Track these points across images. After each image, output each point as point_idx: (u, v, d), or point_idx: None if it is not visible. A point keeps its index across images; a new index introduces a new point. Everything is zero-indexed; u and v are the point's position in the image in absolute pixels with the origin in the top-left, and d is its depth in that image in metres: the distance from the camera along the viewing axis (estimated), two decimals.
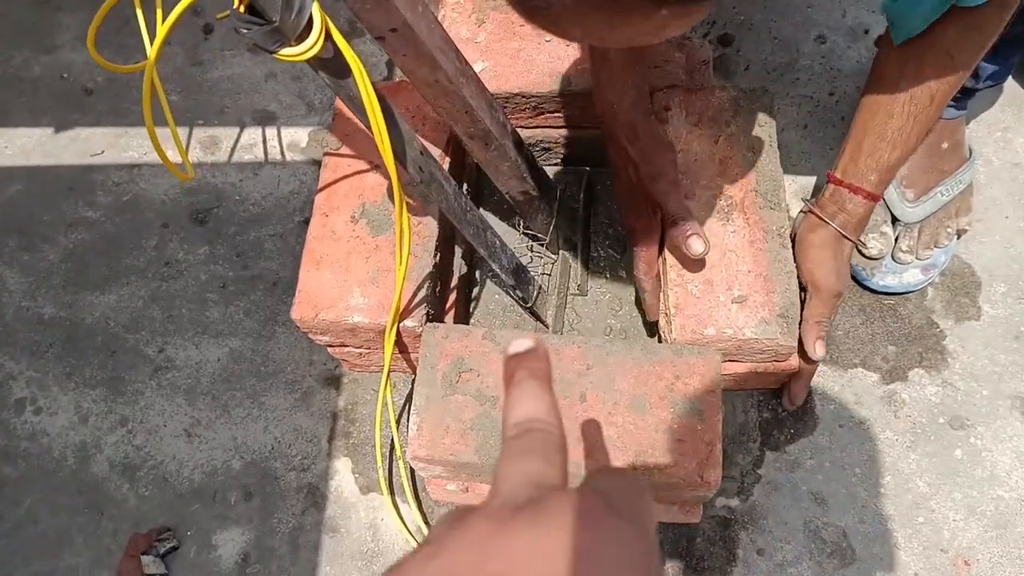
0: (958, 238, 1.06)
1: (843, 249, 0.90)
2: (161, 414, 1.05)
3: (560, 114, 1.03)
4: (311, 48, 0.54)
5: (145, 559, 0.97)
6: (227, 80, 1.24)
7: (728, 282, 0.87)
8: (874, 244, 1.03)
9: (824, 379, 1.02)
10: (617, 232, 1.10)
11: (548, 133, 1.08)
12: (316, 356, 1.07)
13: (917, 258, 1.04)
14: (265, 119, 1.21)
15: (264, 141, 1.19)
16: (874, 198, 0.87)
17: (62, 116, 1.23)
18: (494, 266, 0.88)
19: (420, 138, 0.73)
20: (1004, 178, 1.11)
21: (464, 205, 0.80)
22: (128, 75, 1.23)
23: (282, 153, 1.19)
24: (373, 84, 0.61)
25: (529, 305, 0.97)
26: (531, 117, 1.04)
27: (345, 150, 0.96)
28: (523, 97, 0.99)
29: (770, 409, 1.02)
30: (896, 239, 1.04)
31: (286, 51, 0.54)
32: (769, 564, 0.95)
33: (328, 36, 0.55)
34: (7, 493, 1.03)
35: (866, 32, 1.21)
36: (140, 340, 1.09)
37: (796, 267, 0.88)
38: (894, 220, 1.05)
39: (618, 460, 0.81)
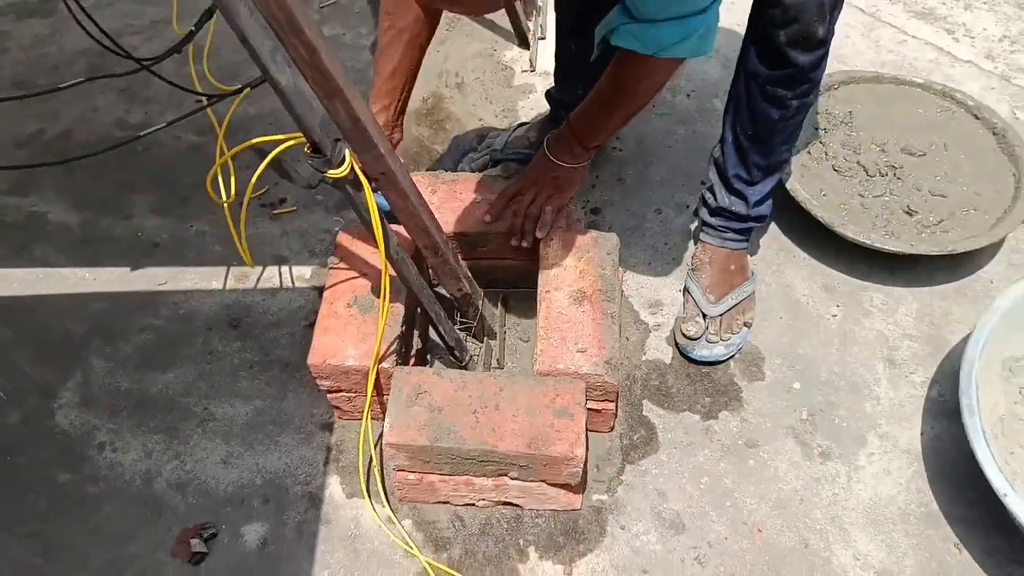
0: (748, 328, 1.61)
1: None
2: (205, 450, 1.49)
3: (487, 248, 1.59)
4: (344, 170, 1.08)
5: (192, 541, 1.38)
6: (255, 237, 1.79)
7: (576, 340, 1.40)
8: (691, 329, 1.58)
9: (664, 419, 1.52)
10: (525, 325, 1.62)
11: (478, 264, 1.63)
12: (316, 410, 1.54)
13: (721, 339, 1.58)
14: (280, 260, 1.75)
15: (280, 275, 1.73)
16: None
17: (136, 260, 1.76)
18: (441, 329, 1.40)
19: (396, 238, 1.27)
20: (778, 295, 1.68)
21: (422, 282, 1.33)
22: (183, 234, 1.78)
23: (292, 282, 1.72)
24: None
25: (463, 365, 1.47)
26: (468, 251, 1.59)
27: (343, 265, 1.50)
28: (462, 235, 1.55)
29: (628, 439, 1.50)
30: (707, 327, 1.59)
31: (332, 171, 1.08)
32: (627, 535, 1.40)
33: (352, 166, 1.10)
34: (89, 504, 1.44)
35: (687, 207, 1.83)
36: (190, 402, 1.55)
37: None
38: (704, 315, 1.60)
39: (520, 444, 1.29)
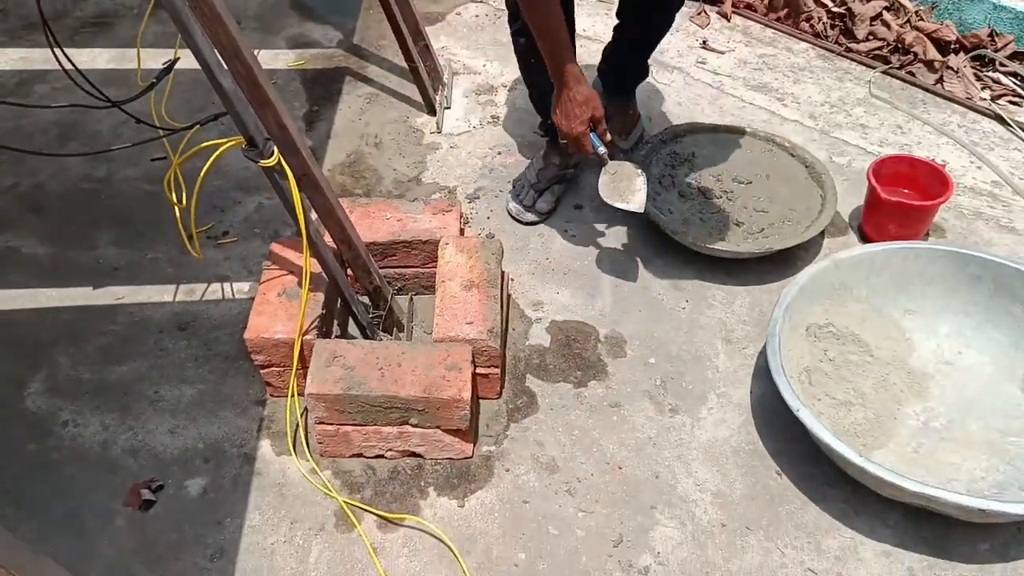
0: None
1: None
2: (154, 423, 1.77)
3: (396, 256, 1.94)
4: (273, 161, 1.44)
5: (142, 491, 1.64)
6: (202, 262, 2.11)
7: (465, 316, 1.74)
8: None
9: (543, 388, 1.84)
10: (429, 323, 1.95)
11: (387, 271, 1.97)
12: (251, 390, 1.83)
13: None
14: (223, 279, 2.07)
15: (222, 289, 2.04)
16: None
17: (98, 281, 2.06)
18: (355, 310, 1.73)
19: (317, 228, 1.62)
20: (637, 293, 2.05)
21: (337, 266, 1.67)
22: (140, 260, 2.10)
23: (233, 295, 2.03)
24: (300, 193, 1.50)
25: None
26: (379, 260, 1.94)
27: (275, 267, 1.82)
28: (374, 245, 1.90)
29: (513, 404, 1.82)
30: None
31: (263, 162, 1.43)
32: (511, 475, 1.69)
33: (280, 159, 1.45)
34: (53, 467, 1.69)
35: (566, 231, 2.20)
36: (143, 388, 1.83)
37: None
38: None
39: (417, 391, 1.60)
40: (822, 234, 2.11)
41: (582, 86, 1.78)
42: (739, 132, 2.33)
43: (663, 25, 2.18)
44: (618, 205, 1.90)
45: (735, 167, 2.27)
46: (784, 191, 2.19)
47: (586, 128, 1.82)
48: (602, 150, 1.87)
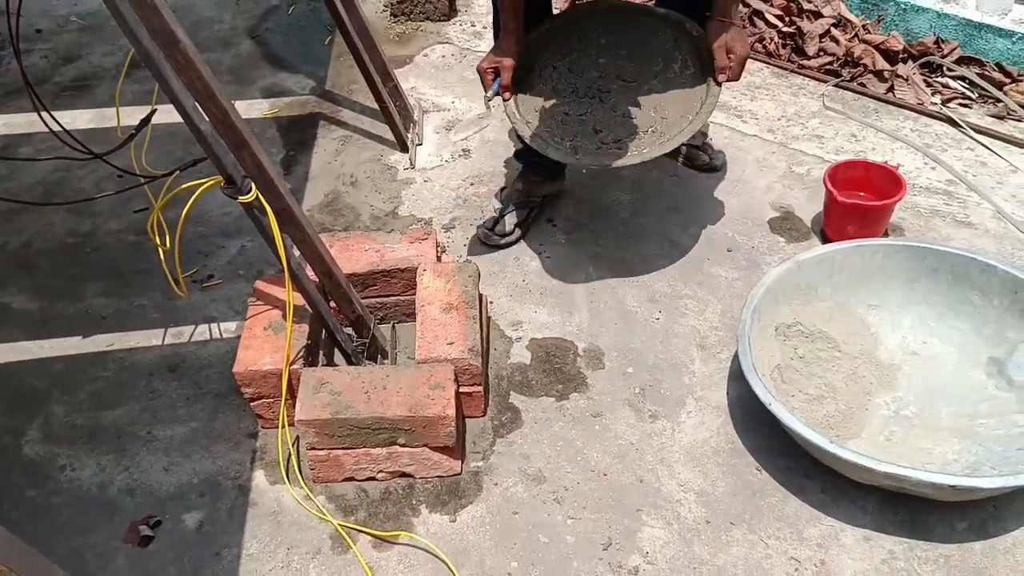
0: None
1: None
2: (149, 463, 1.81)
3: (376, 286, 2.00)
4: (251, 197, 1.50)
5: (141, 528, 1.68)
6: (188, 305, 2.17)
7: (446, 337, 1.80)
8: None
9: (526, 404, 1.90)
10: (412, 349, 2.01)
11: (369, 301, 2.03)
12: (243, 424, 1.88)
13: None
14: (210, 320, 2.13)
15: (210, 330, 2.10)
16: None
17: (87, 330, 2.11)
18: (339, 338, 1.79)
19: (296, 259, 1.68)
20: (613, 307, 2.12)
21: (319, 296, 1.73)
22: (127, 308, 2.15)
23: (220, 335, 2.09)
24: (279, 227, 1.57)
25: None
26: (360, 290, 2.00)
27: (260, 303, 1.88)
28: (354, 276, 1.96)
29: (498, 420, 1.87)
30: None
31: (242, 197, 1.50)
32: (500, 488, 1.74)
33: (257, 195, 1.51)
34: (54, 510, 1.72)
35: (540, 253, 2.28)
36: (136, 429, 1.87)
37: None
38: None
39: (403, 410, 1.65)
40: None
41: (506, 45, 1.98)
42: (641, 15, 2.11)
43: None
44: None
45: (627, 61, 2.06)
46: (668, 98, 1.99)
47: (489, 70, 1.99)
48: (489, 95, 2.01)
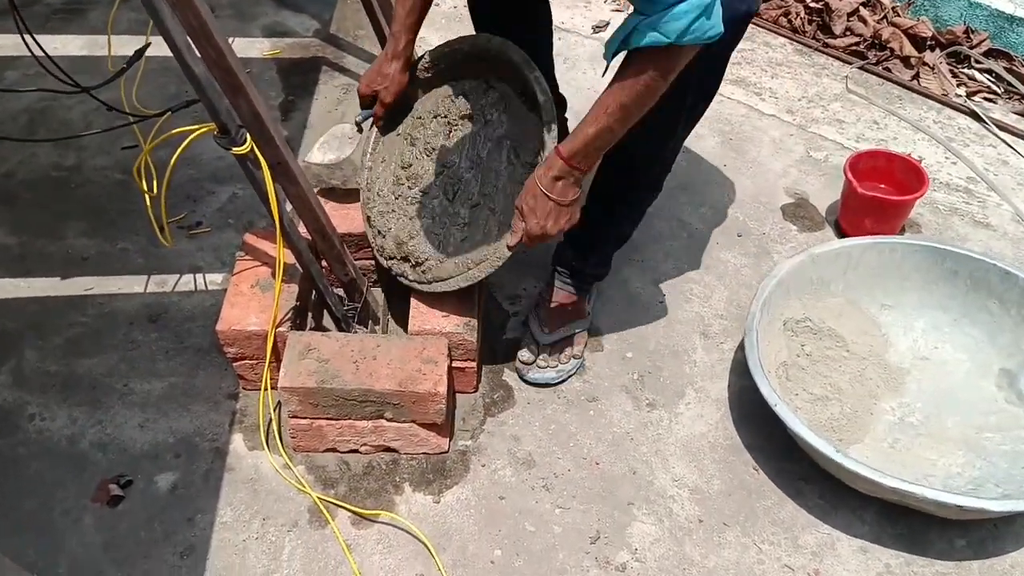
0: (576, 360, 1.83)
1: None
2: (124, 417, 1.73)
3: (370, 250, 1.91)
4: (246, 149, 1.40)
5: (111, 487, 1.60)
6: (174, 253, 2.07)
7: (441, 309, 1.71)
8: (526, 354, 1.84)
9: (520, 382, 1.82)
10: (403, 320, 1.93)
11: (363, 264, 1.94)
12: (224, 384, 1.80)
13: (550, 366, 1.83)
14: (196, 270, 2.04)
15: (195, 280, 2.00)
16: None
17: (66, 271, 2.01)
18: (329, 301, 1.70)
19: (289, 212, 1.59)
20: (616, 287, 2.03)
21: (311, 256, 1.64)
22: (109, 250, 2.05)
23: (206, 286, 1.99)
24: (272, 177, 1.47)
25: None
26: (357, 251, 1.91)
27: (248, 257, 1.79)
28: (349, 236, 1.87)
29: (489, 398, 1.80)
30: (539, 354, 1.87)
31: (236, 149, 1.40)
32: (488, 470, 1.67)
33: (252, 147, 1.42)
34: (20, 462, 1.65)
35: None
36: (112, 381, 1.79)
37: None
38: (537, 343, 1.87)
39: (392, 384, 1.57)
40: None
41: (384, 62, 1.70)
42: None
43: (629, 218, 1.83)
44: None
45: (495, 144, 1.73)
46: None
47: (365, 86, 1.73)
48: (359, 118, 1.80)
